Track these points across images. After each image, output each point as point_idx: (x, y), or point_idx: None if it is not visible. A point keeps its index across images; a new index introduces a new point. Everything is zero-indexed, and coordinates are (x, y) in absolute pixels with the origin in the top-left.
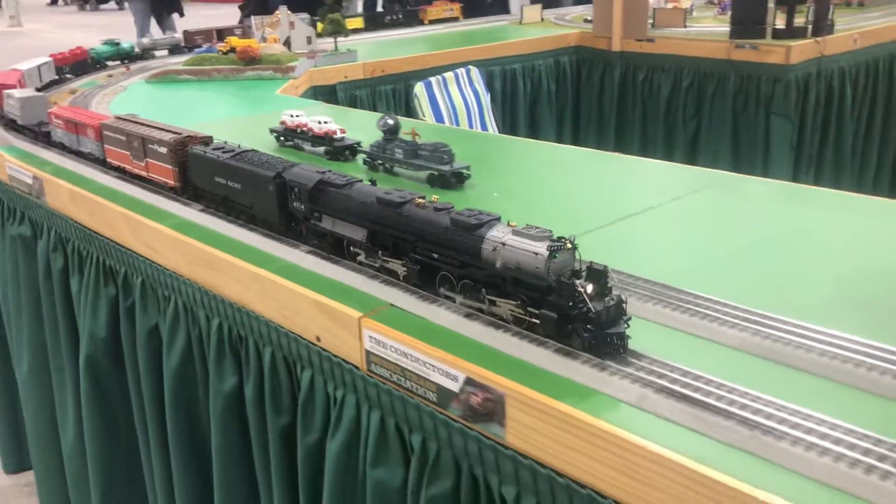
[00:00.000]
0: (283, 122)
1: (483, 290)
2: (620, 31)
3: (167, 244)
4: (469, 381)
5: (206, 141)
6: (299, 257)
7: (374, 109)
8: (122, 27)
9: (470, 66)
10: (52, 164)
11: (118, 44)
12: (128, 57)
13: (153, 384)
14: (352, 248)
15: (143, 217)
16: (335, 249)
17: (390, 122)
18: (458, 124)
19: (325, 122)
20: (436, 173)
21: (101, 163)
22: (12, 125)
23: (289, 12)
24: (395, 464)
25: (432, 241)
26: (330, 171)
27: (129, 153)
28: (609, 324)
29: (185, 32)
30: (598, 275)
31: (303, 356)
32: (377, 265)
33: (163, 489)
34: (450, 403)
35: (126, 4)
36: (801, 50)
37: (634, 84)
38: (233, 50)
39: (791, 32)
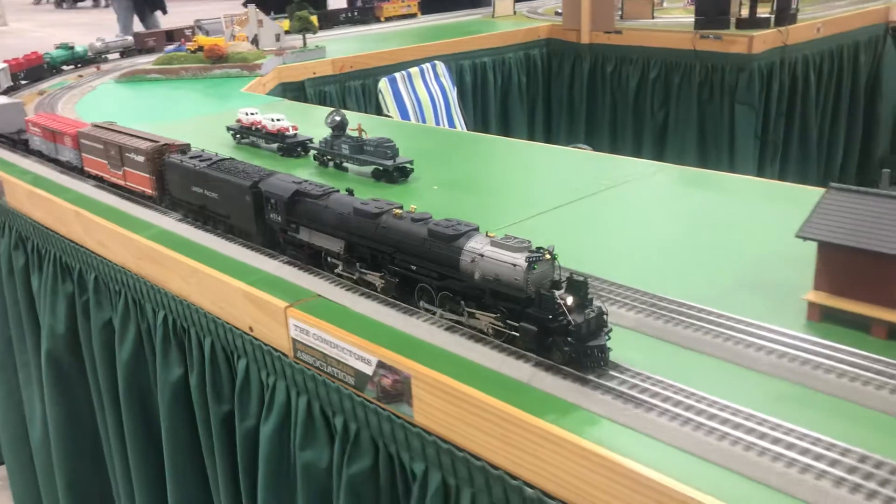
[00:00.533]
0: (238, 121)
1: (462, 302)
2: (589, 24)
3: (116, 240)
4: (381, 364)
5: (184, 149)
6: (224, 246)
7: (344, 105)
8: (105, 25)
9: (436, 62)
10: (31, 174)
11: (72, 48)
12: (81, 61)
13: (109, 376)
14: (330, 260)
15: (92, 214)
16: (313, 260)
17: (337, 118)
18: (423, 119)
19: (279, 120)
20: (380, 168)
21: (80, 171)
22: None
23: (258, 10)
24: (321, 445)
25: (410, 252)
26: (307, 181)
27: (106, 162)
28: (589, 336)
29: (136, 35)
30: (578, 286)
31: (238, 346)
32: (355, 277)
33: (122, 475)
34: (366, 386)
35: (103, 1)
36: (764, 39)
37: (603, 75)
38: (201, 49)
39: (754, 22)
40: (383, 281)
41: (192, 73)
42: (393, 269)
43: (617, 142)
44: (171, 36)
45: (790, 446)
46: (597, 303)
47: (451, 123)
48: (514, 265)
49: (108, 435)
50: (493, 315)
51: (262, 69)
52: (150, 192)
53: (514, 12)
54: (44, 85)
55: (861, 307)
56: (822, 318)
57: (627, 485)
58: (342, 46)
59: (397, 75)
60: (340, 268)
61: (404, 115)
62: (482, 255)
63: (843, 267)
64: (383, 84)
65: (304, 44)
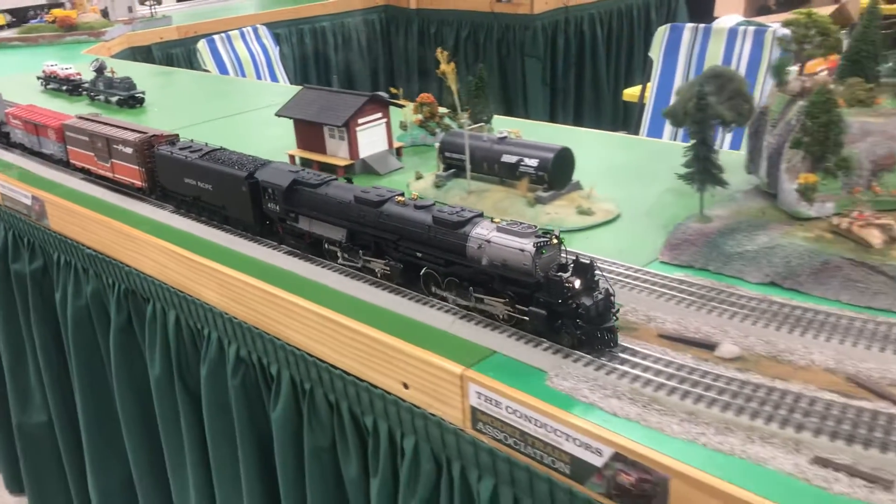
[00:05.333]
0: (44, 71)
1: (470, 287)
2: None
3: None
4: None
5: (173, 139)
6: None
7: (190, 66)
8: None
9: (258, 25)
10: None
11: None
12: None
13: None
14: (330, 248)
15: None
16: (314, 249)
17: (97, 63)
18: (243, 74)
19: (68, 69)
20: (121, 97)
21: (66, 165)
22: None
23: None
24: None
25: (415, 239)
26: (304, 169)
27: (93, 154)
28: (598, 319)
29: None
30: (584, 269)
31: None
32: (359, 265)
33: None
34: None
35: None
36: (546, 1)
37: (429, 36)
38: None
39: None
40: (387, 268)
41: (48, 40)
42: (397, 255)
43: (443, 96)
44: None
45: None
46: (603, 284)
47: (274, 77)
48: (522, 250)
49: None
50: (502, 300)
51: (106, 35)
52: (140, 184)
53: None
54: None
55: (310, 155)
56: (300, 162)
57: None
58: (191, 16)
59: (216, 37)
60: (341, 255)
61: (223, 70)
62: (489, 241)
63: (302, 132)
64: (201, 45)
65: (152, 14)
